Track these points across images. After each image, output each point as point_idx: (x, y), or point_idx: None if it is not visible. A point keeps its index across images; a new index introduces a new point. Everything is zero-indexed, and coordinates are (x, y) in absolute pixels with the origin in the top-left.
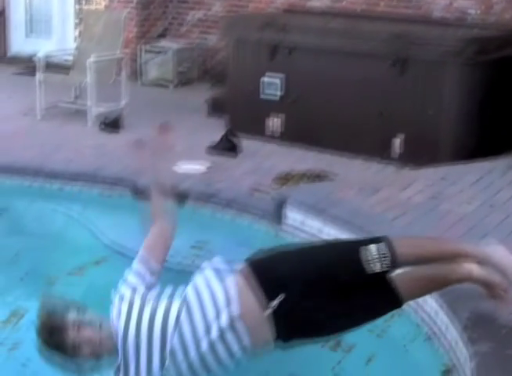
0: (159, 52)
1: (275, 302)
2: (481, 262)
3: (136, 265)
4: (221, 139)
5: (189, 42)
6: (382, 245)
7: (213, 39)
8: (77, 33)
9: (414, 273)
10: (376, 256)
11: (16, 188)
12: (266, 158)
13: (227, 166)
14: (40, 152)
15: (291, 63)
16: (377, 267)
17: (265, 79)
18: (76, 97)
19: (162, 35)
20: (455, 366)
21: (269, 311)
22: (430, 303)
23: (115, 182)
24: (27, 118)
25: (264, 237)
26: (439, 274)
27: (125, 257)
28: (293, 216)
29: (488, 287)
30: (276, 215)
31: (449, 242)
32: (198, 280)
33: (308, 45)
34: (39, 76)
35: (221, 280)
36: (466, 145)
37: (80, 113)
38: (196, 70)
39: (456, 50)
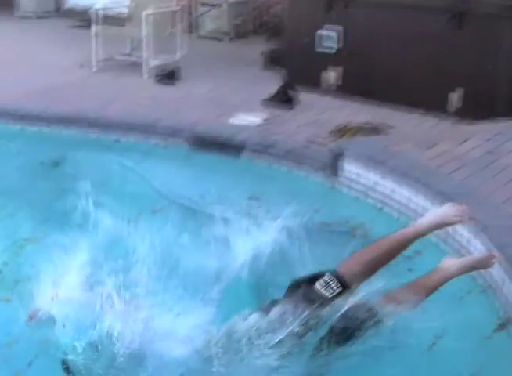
0: (214, 5)
1: None
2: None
3: None
4: (278, 91)
5: None
6: (325, 276)
7: None
8: None
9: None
10: (323, 285)
11: (73, 139)
12: (322, 111)
13: (283, 118)
14: (96, 103)
15: (348, 16)
16: (329, 293)
17: (322, 32)
18: (132, 49)
19: None
20: (510, 320)
21: None
22: None
23: (171, 133)
24: (83, 70)
25: (320, 189)
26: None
27: (181, 207)
28: (350, 168)
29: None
30: (333, 167)
31: (393, 235)
32: None
33: None
34: (95, 28)
35: None
36: None
37: (135, 66)
38: (252, 23)
39: None
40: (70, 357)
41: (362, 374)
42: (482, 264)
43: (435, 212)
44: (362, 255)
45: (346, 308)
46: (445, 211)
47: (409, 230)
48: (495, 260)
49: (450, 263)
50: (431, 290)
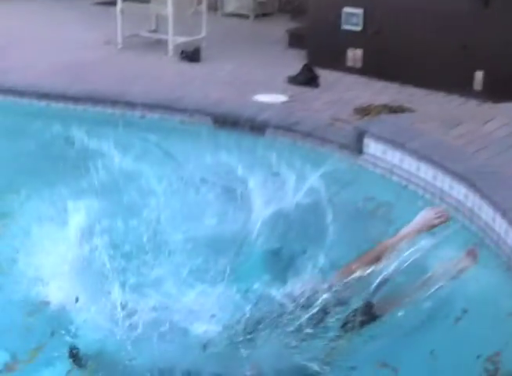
0: None
1: None
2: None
3: None
4: (302, 70)
5: None
6: None
7: None
8: None
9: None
10: None
11: (98, 116)
12: (346, 90)
13: (307, 97)
14: (121, 80)
15: None
16: None
17: (346, 11)
18: (156, 27)
19: None
20: None
21: None
22: None
23: (195, 110)
24: (107, 47)
25: (344, 167)
26: None
27: (204, 182)
28: (374, 147)
29: None
30: (357, 145)
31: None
32: None
33: None
34: (120, 6)
35: None
36: None
37: (160, 43)
38: (277, 2)
39: None
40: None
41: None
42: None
43: (417, 219)
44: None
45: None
46: (426, 215)
47: (396, 239)
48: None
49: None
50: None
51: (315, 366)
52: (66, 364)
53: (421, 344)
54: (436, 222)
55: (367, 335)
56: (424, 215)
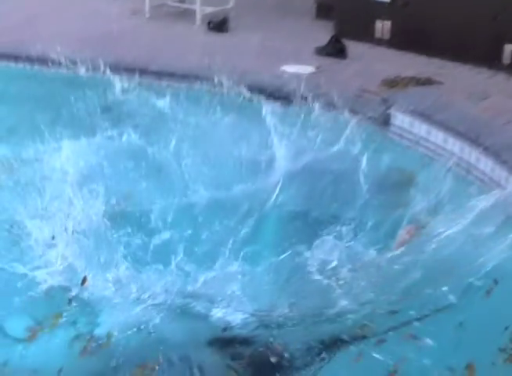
0: None
1: None
2: None
3: None
4: (330, 41)
5: None
6: None
7: None
8: None
9: None
10: None
11: (126, 85)
12: (374, 62)
13: (335, 68)
14: (148, 50)
15: None
16: None
17: None
18: None
19: None
20: None
21: None
22: None
23: (223, 80)
24: (135, 18)
25: (371, 138)
26: None
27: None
28: (401, 119)
29: None
30: (384, 117)
31: None
32: None
33: None
34: None
35: None
36: None
37: (188, 13)
38: None
39: None
40: None
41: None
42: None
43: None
44: None
45: None
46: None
47: None
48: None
49: None
50: None
51: (345, 338)
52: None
53: (450, 316)
54: (407, 237)
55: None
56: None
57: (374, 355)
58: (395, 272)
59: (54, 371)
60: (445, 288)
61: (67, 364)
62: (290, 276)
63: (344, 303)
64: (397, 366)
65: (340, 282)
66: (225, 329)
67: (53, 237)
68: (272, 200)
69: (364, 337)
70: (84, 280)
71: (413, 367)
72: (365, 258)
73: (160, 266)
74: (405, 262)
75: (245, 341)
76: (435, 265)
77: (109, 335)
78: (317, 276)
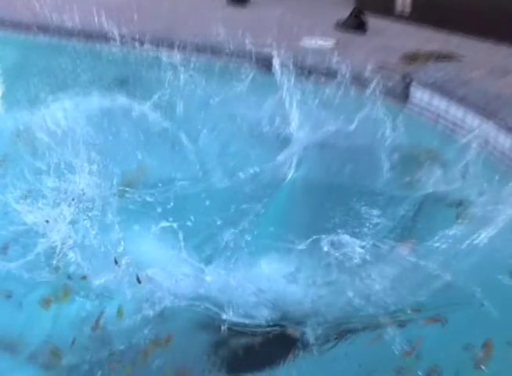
0: None
1: None
2: None
3: None
4: (349, 16)
5: None
6: None
7: None
8: None
9: None
10: None
11: (143, 58)
12: (394, 37)
13: (354, 43)
14: (167, 23)
15: None
16: None
17: None
18: None
19: None
20: None
21: None
22: None
23: (241, 54)
24: None
25: (390, 113)
26: None
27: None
28: (421, 94)
29: None
30: (404, 92)
31: None
32: None
33: None
34: None
35: None
36: None
37: None
38: None
39: None
40: None
41: None
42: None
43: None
44: None
45: None
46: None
47: None
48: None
49: None
50: None
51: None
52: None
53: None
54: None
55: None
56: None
57: (392, 335)
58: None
59: (68, 342)
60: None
61: (80, 337)
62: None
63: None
64: (414, 346)
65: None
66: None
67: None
68: (290, 175)
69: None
70: (138, 279)
71: (430, 346)
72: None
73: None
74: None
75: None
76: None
77: (120, 311)
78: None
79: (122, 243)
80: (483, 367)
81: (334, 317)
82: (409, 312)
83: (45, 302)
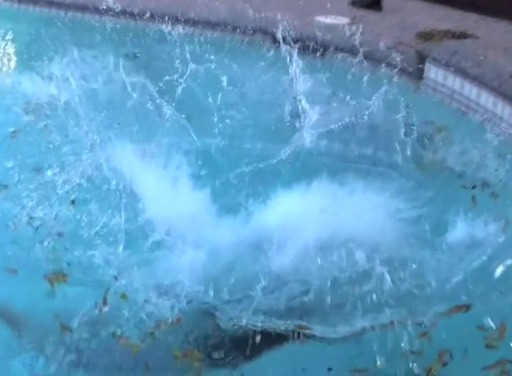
0: None
1: None
2: None
3: None
4: None
5: None
6: None
7: None
8: None
9: None
10: None
11: (157, 33)
12: (409, 14)
13: (369, 20)
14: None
15: None
16: None
17: None
18: None
19: None
20: None
21: None
22: None
23: (257, 30)
24: None
25: (404, 91)
26: None
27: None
28: (435, 72)
29: None
30: (418, 69)
31: None
32: None
33: None
34: None
35: None
36: None
37: None
38: None
39: None
40: None
41: None
42: None
43: None
44: None
45: None
46: None
47: None
48: None
49: None
50: None
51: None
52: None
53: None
54: None
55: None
56: None
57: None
58: None
59: (76, 319)
60: None
61: (87, 314)
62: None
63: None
64: (429, 328)
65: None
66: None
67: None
68: (305, 149)
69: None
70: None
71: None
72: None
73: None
74: None
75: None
76: None
77: (123, 294)
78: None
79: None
80: (494, 347)
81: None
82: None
83: (49, 280)
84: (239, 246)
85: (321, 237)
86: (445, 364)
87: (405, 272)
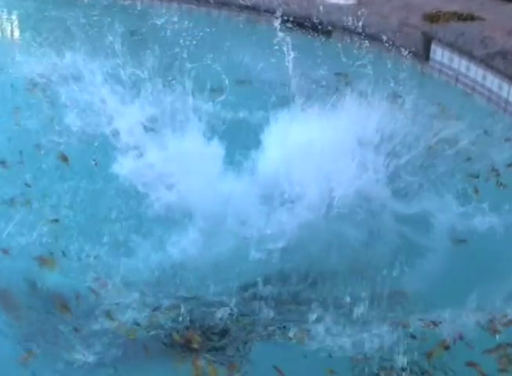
0: None
1: None
2: None
3: None
4: None
5: None
6: None
7: None
8: None
9: None
10: None
11: (162, 11)
12: None
13: (376, 0)
14: None
15: None
16: None
17: None
18: None
19: None
20: None
21: None
22: None
23: (263, 10)
24: None
25: (410, 72)
26: None
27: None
28: (441, 53)
29: None
30: (424, 50)
31: None
32: None
33: None
34: None
35: None
36: None
37: None
38: None
39: None
40: None
41: None
42: None
43: None
44: None
45: None
46: None
47: None
48: None
49: None
50: None
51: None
52: None
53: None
54: None
55: None
56: None
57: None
58: None
59: (72, 296)
60: None
61: (83, 292)
62: None
63: None
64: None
65: None
66: None
67: None
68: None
69: None
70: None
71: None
72: None
73: None
74: None
75: None
76: None
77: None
78: None
79: None
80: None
81: None
82: None
83: (42, 261)
84: None
85: None
86: (446, 348)
87: None
